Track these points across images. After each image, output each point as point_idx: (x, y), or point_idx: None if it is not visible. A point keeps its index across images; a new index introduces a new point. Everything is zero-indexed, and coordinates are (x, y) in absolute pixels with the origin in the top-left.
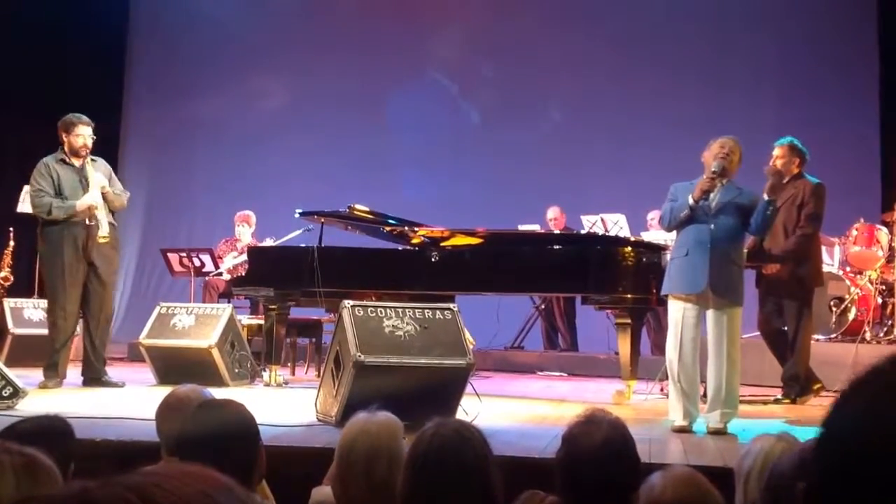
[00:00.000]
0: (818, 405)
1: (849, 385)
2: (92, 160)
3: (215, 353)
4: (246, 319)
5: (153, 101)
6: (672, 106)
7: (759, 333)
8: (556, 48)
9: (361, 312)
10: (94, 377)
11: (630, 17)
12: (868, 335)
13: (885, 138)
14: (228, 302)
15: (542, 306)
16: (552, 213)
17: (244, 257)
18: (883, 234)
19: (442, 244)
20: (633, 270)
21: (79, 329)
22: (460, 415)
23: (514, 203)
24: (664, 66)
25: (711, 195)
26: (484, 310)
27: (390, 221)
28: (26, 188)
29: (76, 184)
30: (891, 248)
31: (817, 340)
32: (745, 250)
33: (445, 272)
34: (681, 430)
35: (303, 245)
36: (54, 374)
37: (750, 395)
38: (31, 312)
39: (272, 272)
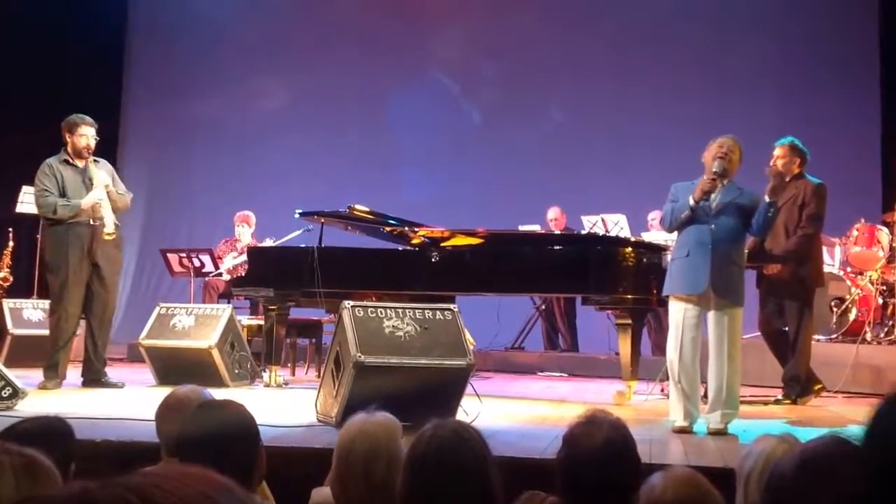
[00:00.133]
0: (819, 406)
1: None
2: (95, 161)
3: (215, 354)
4: (246, 320)
5: (152, 101)
6: (673, 106)
7: (759, 334)
8: (556, 48)
9: (362, 313)
10: (93, 378)
11: (631, 16)
12: (869, 336)
13: (885, 138)
14: (228, 302)
15: (543, 307)
16: (553, 213)
17: (244, 258)
18: (884, 234)
19: (442, 244)
20: (634, 271)
21: (79, 330)
22: (460, 415)
23: (514, 203)
24: (665, 66)
25: (712, 195)
26: (484, 310)
27: (390, 222)
28: (25, 188)
29: (79, 184)
30: (891, 248)
31: (818, 341)
32: (746, 251)
33: (446, 272)
34: (681, 431)
35: (303, 245)
36: (54, 374)
37: (750, 396)
38: (30, 313)
39: (272, 272)
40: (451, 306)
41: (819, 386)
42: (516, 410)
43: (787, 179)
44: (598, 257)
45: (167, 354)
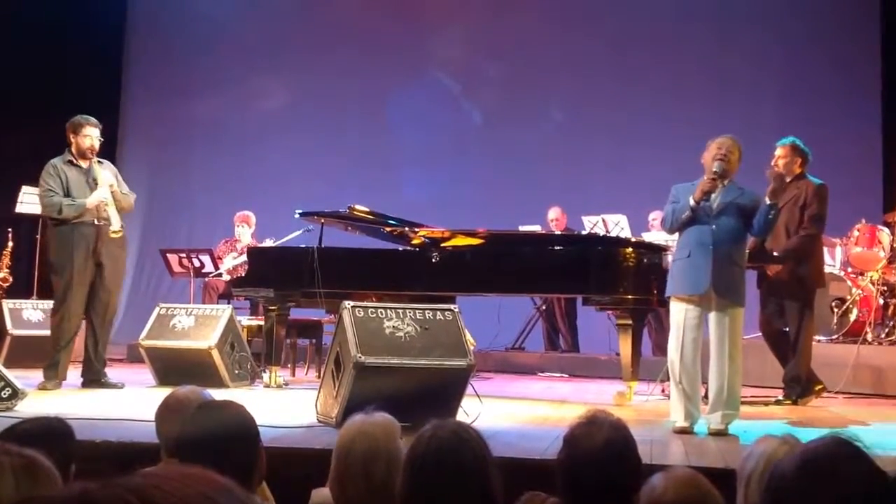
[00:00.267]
0: (820, 406)
1: None
2: (99, 162)
3: (215, 355)
4: (246, 320)
5: (151, 101)
6: (673, 106)
7: (760, 334)
8: (557, 48)
9: (362, 313)
10: (93, 378)
11: (632, 16)
12: (870, 336)
13: (886, 138)
14: (228, 303)
15: (543, 307)
16: (553, 213)
17: (244, 258)
18: (885, 234)
19: (442, 245)
20: (634, 271)
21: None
22: (461, 416)
23: (515, 203)
24: (665, 66)
25: (713, 196)
26: (485, 311)
27: (391, 222)
28: (25, 188)
29: (83, 185)
30: (892, 248)
31: (819, 341)
32: (747, 251)
33: (446, 273)
34: (682, 432)
35: (303, 246)
36: (54, 374)
37: (751, 397)
38: (30, 313)
39: (272, 273)
40: (452, 307)
41: (820, 386)
42: (517, 411)
43: (789, 180)
44: (599, 258)
45: (167, 355)
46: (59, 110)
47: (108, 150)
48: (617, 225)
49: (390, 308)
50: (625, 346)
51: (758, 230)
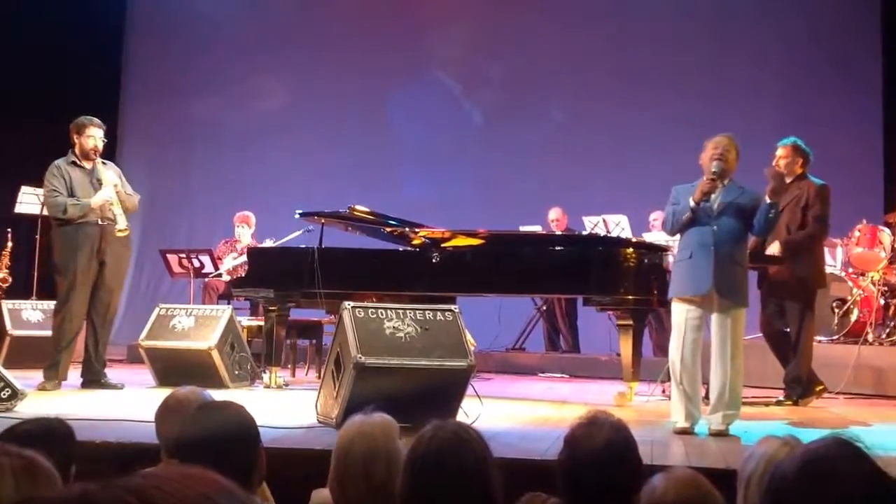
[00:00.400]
0: (821, 407)
1: None
2: (102, 162)
3: (215, 355)
4: (246, 321)
5: (150, 101)
6: (674, 105)
7: (761, 335)
8: (558, 48)
9: (362, 314)
10: (93, 379)
11: (633, 16)
12: (870, 337)
13: (888, 138)
14: (228, 303)
15: (544, 307)
16: (554, 213)
17: (244, 258)
18: (886, 235)
19: (443, 245)
20: (635, 271)
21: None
22: (461, 417)
23: (515, 204)
24: (666, 66)
25: (713, 196)
26: (485, 311)
27: (391, 222)
28: (24, 188)
29: (87, 185)
30: (893, 249)
31: (819, 342)
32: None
33: (446, 273)
34: (683, 432)
35: (303, 246)
36: (54, 375)
37: (752, 397)
38: (29, 314)
39: (272, 273)
40: (452, 307)
41: (821, 387)
42: (517, 412)
43: (790, 180)
44: (600, 258)
45: (167, 355)
46: (59, 110)
47: (108, 150)
48: (618, 225)
49: (391, 308)
50: (625, 347)
51: (759, 230)
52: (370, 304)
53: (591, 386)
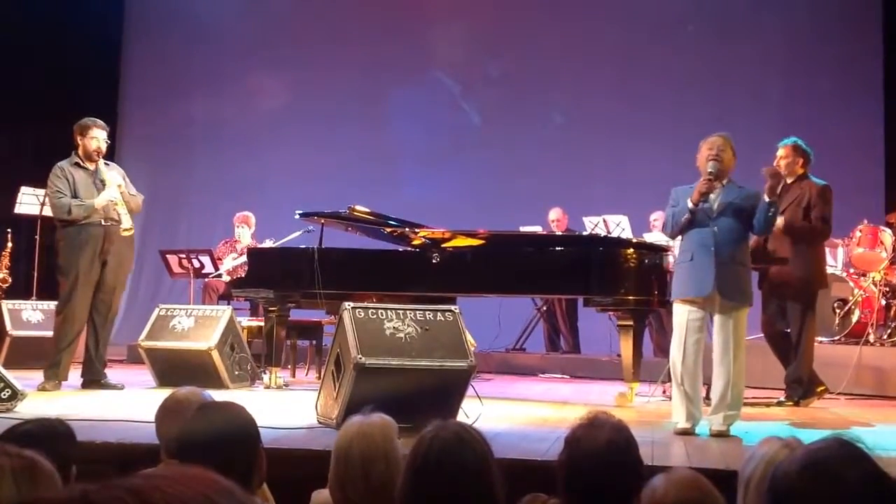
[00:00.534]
0: (822, 407)
1: None
2: (106, 164)
3: (215, 356)
4: (246, 321)
5: (149, 101)
6: (675, 106)
7: (762, 335)
8: (558, 48)
9: (362, 314)
10: (93, 379)
11: (633, 16)
12: (872, 337)
13: (889, 138)
14: (228, 303)
15: (544, 308)
16: (554, 214)
17: (244, 259)
18: (887, 235)
19: (443, 245)
20: (636, 272)
21: None
22: (461, 417)
23: (515, 204)
24: (667, 66)
25: (712, 197)
26: (485, 312)
27: (391, 222)
28: (24, 189)
29: (91, 186)
30: (895, 249)
31: (821, 342)
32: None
33: (447, 274)
34: (683, 433)
35: (303, 246)
36: (55, 375)
37: (753, 398)
38: (29, 314)
39: (272, 274)
40: (452, 307)
41: (822, 388)
42: (517, 412)
43: (791, 181)
44: (600, 258)
45: (167, 356)
46: (58, 111)
47: (107, 150)
48: (618, 226)
49: (391, 309)
50: (626, 348)
51: (759, 229)
52: (370, 305)
53: (591, 387)
